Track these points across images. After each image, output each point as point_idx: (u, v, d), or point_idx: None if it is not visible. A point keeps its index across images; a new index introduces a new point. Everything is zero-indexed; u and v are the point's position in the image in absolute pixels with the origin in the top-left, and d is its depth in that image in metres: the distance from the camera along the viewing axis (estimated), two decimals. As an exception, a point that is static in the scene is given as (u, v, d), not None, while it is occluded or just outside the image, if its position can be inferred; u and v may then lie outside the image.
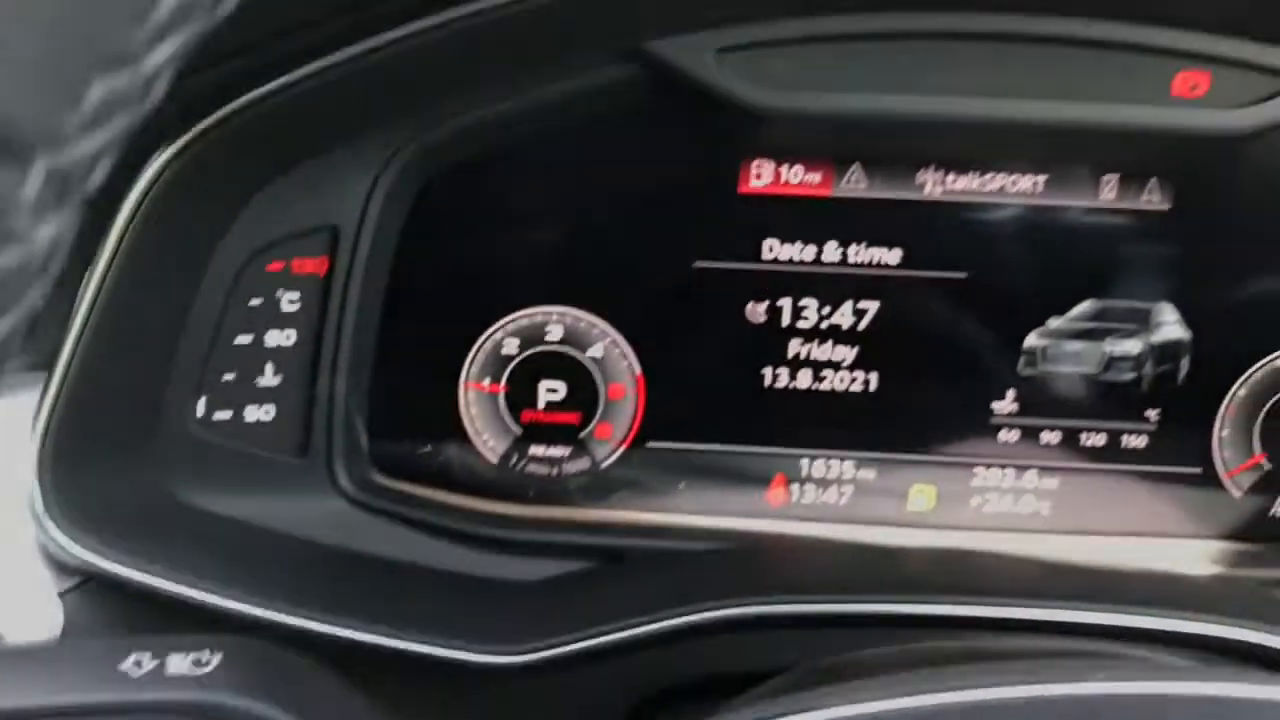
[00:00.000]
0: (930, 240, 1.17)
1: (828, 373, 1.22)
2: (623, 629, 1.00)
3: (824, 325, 1.20)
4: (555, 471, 1.25)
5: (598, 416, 1.23)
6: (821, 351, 1.21)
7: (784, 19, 1.03)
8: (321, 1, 0.91)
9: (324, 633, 0.98)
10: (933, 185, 1.16)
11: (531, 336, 1.21)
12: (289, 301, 1.12)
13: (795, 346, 1.21)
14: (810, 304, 1.20)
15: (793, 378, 1.22)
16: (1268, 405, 1.22)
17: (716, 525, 1.25)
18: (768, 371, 1.22)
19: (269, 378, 1.14)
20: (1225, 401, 1.23)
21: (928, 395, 1.23)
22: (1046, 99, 1.06)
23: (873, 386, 1.22)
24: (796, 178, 1.16)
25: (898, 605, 1.07)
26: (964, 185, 1.16)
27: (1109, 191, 1.16)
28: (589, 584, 1.14)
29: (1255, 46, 1.03)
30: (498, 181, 1.15)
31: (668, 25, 1.02)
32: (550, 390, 1.23)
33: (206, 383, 1.14)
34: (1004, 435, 1.24)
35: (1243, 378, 1.22)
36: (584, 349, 1.21)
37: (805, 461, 1.25)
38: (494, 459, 1.25)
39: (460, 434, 1.24)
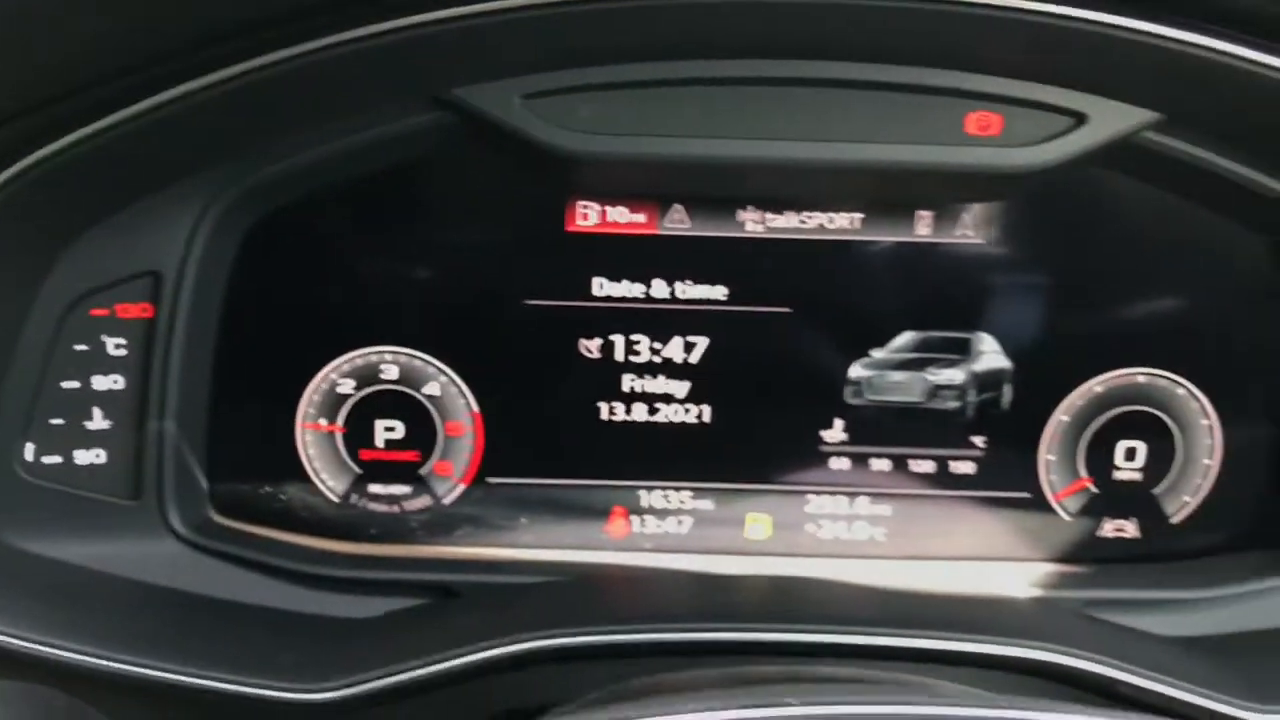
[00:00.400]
0: (754, 276, 1.21)
1: (661, 406, 1.25)
2: (438, 662, 1.01)
3: (656, 360, 1.23)
4: (397, 509, 1.27)
5: (436, 454, 1.25)
6: (655, 385, 1.24)
7: (588, 66, 1.05)
8: (118, 58, 0.92)
9: (136, 674, 0.98)
10: (753, 224, 1.20)
11: (367, 376, 1.23)
12: (115, 346, 1.13)
13: (629, 381, 1.23)
14: (642, 339, 1.23)
15: (628, 412, 1.25)
16: (1090, 429, 1.26)
17: (557, 559, 1.27)
18: (603, 406, 1.24)
19: (98, 421, 1.15)
20: (1049, 427, 1.26)
21: (759, 426, 1.25)
22: (849, 141, 1.09)
23: (706, 418, 1.25)
24: (622, 217, 1.19)
25: (725, 633, 1.08)
26: (783, 224, 1.19)
27: (924, 227, 1.19)
28: (419, 619, 1.15)
29: (1043, 88, 1.07)
30: (324, 225, 1.18)
31: (473, 73, 1.04)
32: (388, 429, 1.25)
33: (35, 427, 1.14)
34: (835, 463, 1.27)
35: (1064, 403, 1.26)
36: (419, 388, 1.23)
37: (644, 493, 1.28)
38: (334, 498, 1.26)
39: (300, 474, 1.25)
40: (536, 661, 1.05)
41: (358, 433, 1.24)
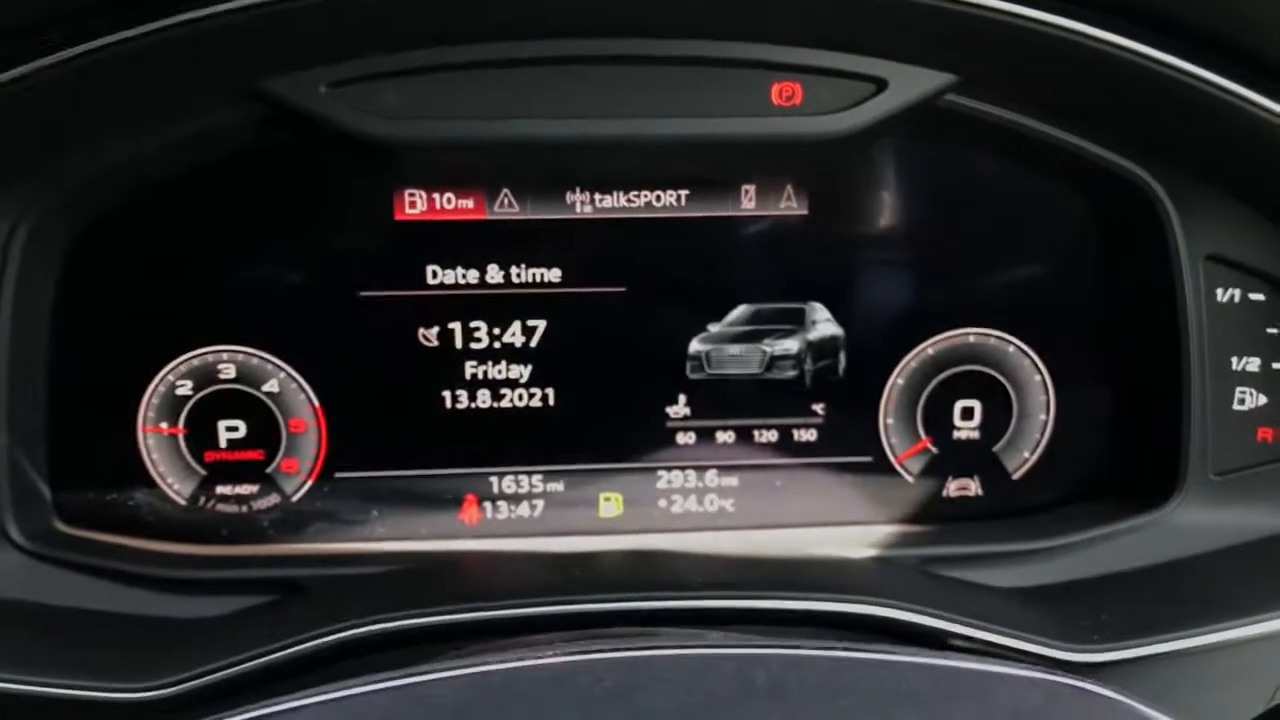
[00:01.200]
0: (586, 258, 1.22)
1: (505, 391, 1.26)
2: (269, 654, 1.01)
3: (497, 345, 1.24)
4: (245, 509, 1.27)
5: (281, 452, 1.25)
6: (497, 371, 1.25)
7: (393, 52, 1.06)
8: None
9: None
10: (582, 205, 1.21)
11: (205, 377, 1.23)
12: (-62, 362, 1.12)
13: (471, 368, 1.24)
14: (481, 326, 1.24)
15: (472, 398, 1.26)
16: (926, 391, 1.30)
17: (411, 549, 1.27)
18: (446, 394, 1.25)
19: (-74, 437, 1.14)
20: (886, 391, 1.29)
21: (604, 406, 1.27)
22: (661, 116, 1.11)
23: (551, 401, 1.26)
24: (450, 204, 1.20)
25: (574, 606, 1.09)
26: (611, 203, 1.21)
27: (749, 200, 1.22)
28: (261, 615, 1.15)
29: (841, 55, 1.09)
30: (149, 226, 1.17)
31: (279, 63, 1.05)
32: (230, 429, 1.25)
33: None
34: (681, 438, 1.29)
35: (899, 367, 1.29)
36: (259, 385, 1.23)
37: (495, 479, 1.29)
38: (181, 501, 1.25)
39: (144, 479, 1.25)
40: (377, 648, 1.05)
41: (200, 434, 1.24)
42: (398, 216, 1.19)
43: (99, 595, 1.18)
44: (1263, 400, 1.24)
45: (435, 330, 1.23)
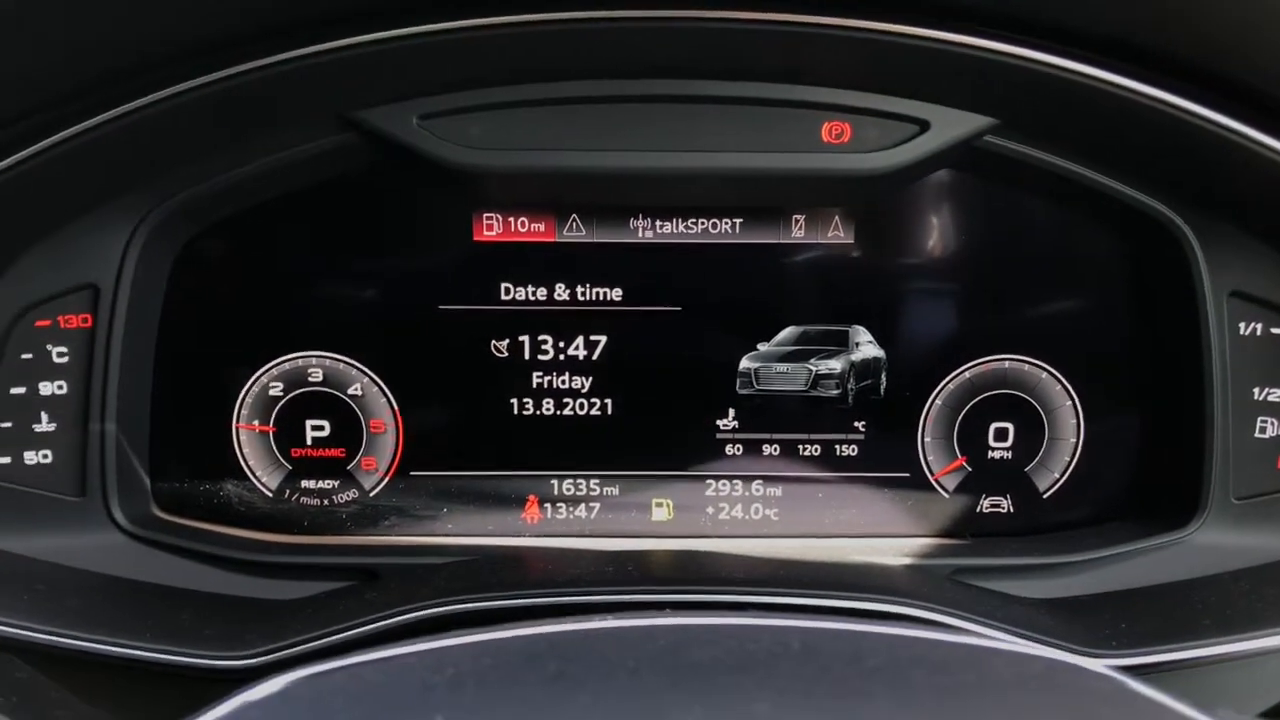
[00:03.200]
0: (646, 278, 1.32)
1: (569, 400, 1.36)
2: (349, 629, 1.11)
3: (561, 358, 1.34)
4: (326, 502, 1.37)
5: (361, 450, 1.36)
6: (561, 381, 1.35)
7: (479, 88, 1.17)
8: (54, 86, 1.04)
9: (73, 647, 1.09)
10: (644, 230, 1.31)
11: (295, 380, 1.34)
12: (58, 355, 1.24)
13: (537, 378, 1.35)
14: (548, 339, 1.34)
15: (538, 406, 1.36)
16: (962, 413, 1.38)
17: (477, 543, 1.37)
18: (514, 402, 1.35)
19: (45, 424, 1.26)
20: (924, 411, 1.38)
21: (659, 417, 1.37)
22: (720, 150, 1.21)
23: (609, 411, 1.36)
24: (524, 227, 1.31)
25: (627, 595, 1.17)
26: (671, 230, 1.31)
27: (798, 229, 1.31)
28: (340, 598, 1.25)
29: (887, 98, 1.19)
30: (253, 239, 1.29)
31: (374, 96, 1.16)
32: (316, 428, 1.36)
33: (-14, 430, 1.25)
34: (730, 450, 1.38)
35: (937, 389, 1.37)
36: (344, 389, 1.34)
37: (555, 482, 1.38)
38: (269, 493, 1.36)
39: (236, 471, 1.36)
40: (446, 627, 1.14)
41: (288, 432, 1.35)
42: (476, 237, 1.30)
43: (192, 575, 1.30)
44: (1283, 429, 1.31)
45: (506, 342, 1.33)
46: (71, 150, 1.08)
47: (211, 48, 1.05)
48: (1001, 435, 1.38)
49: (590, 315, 1.33)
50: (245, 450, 1.35)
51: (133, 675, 1.10)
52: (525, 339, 1.33)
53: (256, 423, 1.34)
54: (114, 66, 1.04)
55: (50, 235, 1.19)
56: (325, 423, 1.35)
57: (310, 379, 1.34)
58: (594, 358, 1.34)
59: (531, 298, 1.32)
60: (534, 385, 1.35)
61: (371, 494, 1.37)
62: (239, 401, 1.34)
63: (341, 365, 1.33)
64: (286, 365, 1.33)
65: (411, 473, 1.37)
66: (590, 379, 1.35)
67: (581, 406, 1.35)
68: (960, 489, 1.40)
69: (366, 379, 1.34)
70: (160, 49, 1.03)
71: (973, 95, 1.17)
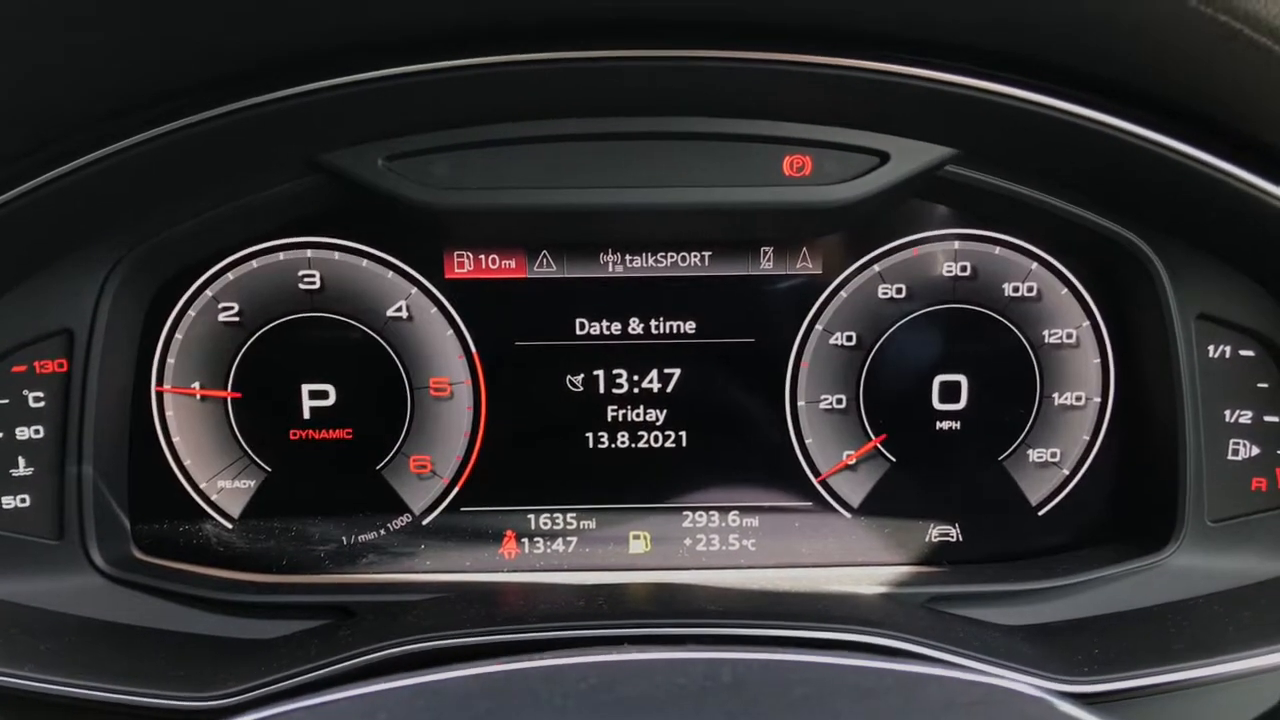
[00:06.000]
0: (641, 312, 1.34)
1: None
2: (319, 669, 1.11)
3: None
4: (304, 542, 1.38)
5: (327, 490, 1.37)
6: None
7: (446, 128, 1.19)
8: (24, 135, 1.05)
9: (39, 690, 1.09)
10: (614, 265, 1.33)
11: (272, 416, 1.35)
12: (34, 399, 1.26)
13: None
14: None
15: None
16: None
17: (453, 579, 1.38)
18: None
19: (22, 469, 1.27)
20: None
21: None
22: (684, 186, 1.22)
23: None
24: (495, 264, 1.32)
25: (601, 629, 1.17)
26: (640, 264, 1.32)
27: (766, 261, 1.33)
28: (313, 636, 1.26)
29: (847, 131, 1.20)
30: (228, 280, 1.30)
31: (339, 139, 1.18)
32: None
33: (-37, 477, 1.26)
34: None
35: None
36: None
37: (531, 517, 1.39)
38: (246, 533, 1.37)
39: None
40: (419, 665, 1.15)
41: (266, 470, 1.36)
42: (447, 274, 1.31)
43: (169, 616, 1.30)
44: (1255, 451, 1.31)
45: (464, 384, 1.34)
46: (44, 197, 1.10)
47: (179, 94, 1.07)
48: (979, 462, 1.39)
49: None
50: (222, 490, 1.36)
51: (102, 718, 1.11)
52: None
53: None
54: (85, 113, 1.05)
55: (24, 282, 1.21)
56: (305, 465, 1.36)
57: (289, 417, 1.35)
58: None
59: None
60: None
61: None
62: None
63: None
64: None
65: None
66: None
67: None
68: (936, 521, 1.40)
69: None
70: (128, 96, 1.05)
71: (932, 126, 1.18)
